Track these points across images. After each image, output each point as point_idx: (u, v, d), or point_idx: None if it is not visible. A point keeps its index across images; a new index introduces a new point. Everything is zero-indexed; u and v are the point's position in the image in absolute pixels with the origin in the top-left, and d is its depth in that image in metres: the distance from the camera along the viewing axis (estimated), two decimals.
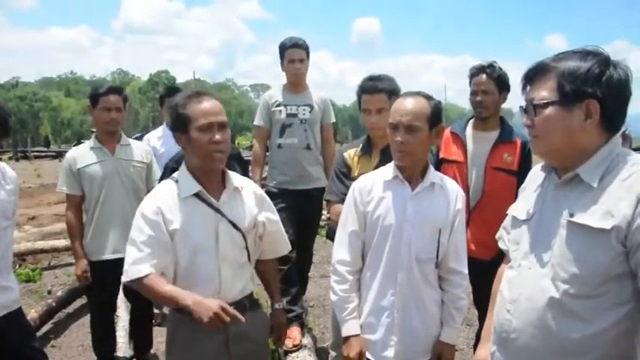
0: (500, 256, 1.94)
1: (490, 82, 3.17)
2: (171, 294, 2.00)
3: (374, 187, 2.28)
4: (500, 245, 1.90)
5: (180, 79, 79.87)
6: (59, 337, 4.66)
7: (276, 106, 4.08)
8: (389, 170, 2.29)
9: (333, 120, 4.38)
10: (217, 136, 2.07)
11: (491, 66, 3.18)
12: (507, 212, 1.86)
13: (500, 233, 1.91)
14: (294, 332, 3.78)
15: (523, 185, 1.87)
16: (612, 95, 1.51)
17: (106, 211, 3.43)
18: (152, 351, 4.00)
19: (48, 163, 26.32)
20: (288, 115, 4.05)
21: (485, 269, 2.46)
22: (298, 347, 3.72)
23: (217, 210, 2.15)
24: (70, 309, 5.18)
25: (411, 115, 2.15)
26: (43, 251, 7.08)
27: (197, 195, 2.14)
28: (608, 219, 1.46)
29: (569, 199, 1.57)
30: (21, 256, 6.82)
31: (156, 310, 4.36)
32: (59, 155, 29.85)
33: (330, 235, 3.13)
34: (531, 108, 1.60)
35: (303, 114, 4.06)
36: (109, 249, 3.40)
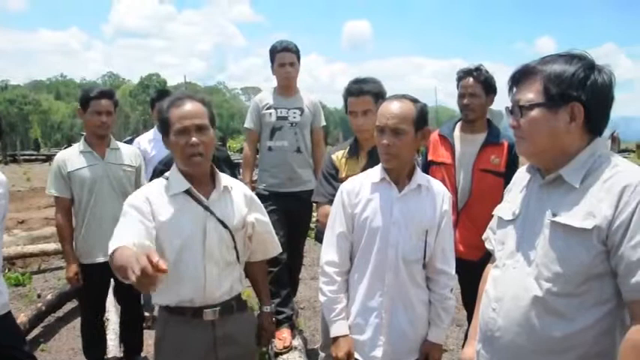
0: (489, 257, 1.96)
1: (477, 85, 3.21)
2: (121, 262, 1.72)
3: (362, 189, 2.31)
4: (487, 245, 1.93)
5: (171, 83, 79.40)
6: (49, 340, 4.64)
7: (267, 109, 4.10)
8: (376, 172, 2.31)
9: (324, 123, 4.41)
10: (193, 139, 2.08)
11: (477, 69, 3.22)
12: (493, 213, 1.89)
13: (487, 234, 1.94)
14: (284, 334, 3.79)
15: (509, 186, 1.90)
16: (596, 99, 1.54)
17: (96, 215, 3.43)
18: (143, 354, 3.98)
19: (38, 166, 26.11)
20: (279, 118, 4.07)
21: (473, 270, 2.47)
22: (289, 349, 3.73)
23: (206, 208, 2.16)
24: (60, 313, 5.16)
25: (397, 119, 2.18)
26: (32, 255, 7.04)
27: (187, 192, 2.16)
28: (590, 219, 1.49)
29: (552, 200, 1.61)
30: (10, 260, 6.78)
31: (146, 313, 4.36)
32: (49, 159, 29.58)
33: (319, 237, 3.15)
34: (517, 109, 1.63)
35: (294, 117, 4.08)
36: (99, 252, 3.39)
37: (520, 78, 1.65)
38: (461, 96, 3.27)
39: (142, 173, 3.69)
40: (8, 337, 2.76)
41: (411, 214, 2.24)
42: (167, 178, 2.21)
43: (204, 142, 2.11)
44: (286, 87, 4.12)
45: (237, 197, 2.29)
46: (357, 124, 2.89)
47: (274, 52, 4.06)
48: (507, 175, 2.99)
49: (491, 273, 1.81)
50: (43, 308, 4.83)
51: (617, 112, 1.64)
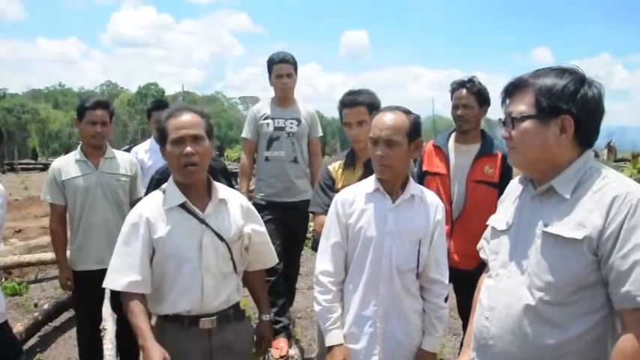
0: (484, 266, 1.98)
1: (470, 96, 3.24)
2: (136, 328, 2.07)
3: (356, 199, 2.33)
4: (481, 255, 1.95)
5: (169, 92, 79.73)
6: (45, 350, 4.62)
7: (264, 119, 4.14)
8: (370, 183, 2.33)
9: (321, 134, 4.45)
10: (187, 149, 2.11)
11: (471, 81, 3.26)
12: (487, 223, 1.92)
13: (481, 243, 1.96)
14: (281, 343, 3.81)
15: (502, 197, 1.93)
16: (586, 112, 1.58)
17: (89, 224, 3.46)
18: None
19: (35, 175, 26.01)
20: (276, 129, 4.11)
21: (469, 279, 2.49)
22: (285, 358, 3.75)
23: (202, 220, 2.18)
24: (57, 322, 5.14)
25: (390, 130, 2.21)
26: (29, 264, 7.00)
27: (183, 206, 2.18)
28: (580, 229, 1.52)
29: (544, 210, 1.64)
30: (7, 270, 6.76)
31: None
32: (47, 168, 29.43)
33: (315, 247, 3.17)
34: (509, 121, 1.66)
35: (291, 127, 4.11)
36: (93, 260, 3.41)
37: (513, 90, 1.68)
38: (455, 107, 3.30)
39: (137, 182, 3.70)
40: (4, 347, 2.76)
41: (404, 224, 2.26)
42: (164, 191, 2.23)
43: (199, 152, 2.13)
44: (284, 98, 4.16)
45: (234, 208, 2.31)
46: (352, 135, 2.92)
47: (272, 63, 4.10)
48: (501, 186, 3.01)
49: (485, 282, 1.84)
50: (40, 318, 4.81)
51: (613, 121, 1.68)
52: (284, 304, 4.00)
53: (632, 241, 1.46)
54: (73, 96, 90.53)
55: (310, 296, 5.74)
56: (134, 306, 2.09)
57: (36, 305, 5.63)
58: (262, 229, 2.45)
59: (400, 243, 2.25)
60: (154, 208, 2.19)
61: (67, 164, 3.51)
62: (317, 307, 2.37)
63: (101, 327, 3.95)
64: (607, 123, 1.67)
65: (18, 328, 4.35)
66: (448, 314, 2.46)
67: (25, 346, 4.40)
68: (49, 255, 6.98)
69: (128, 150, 4.69)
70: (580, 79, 1.59)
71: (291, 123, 4.13)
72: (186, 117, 2.16)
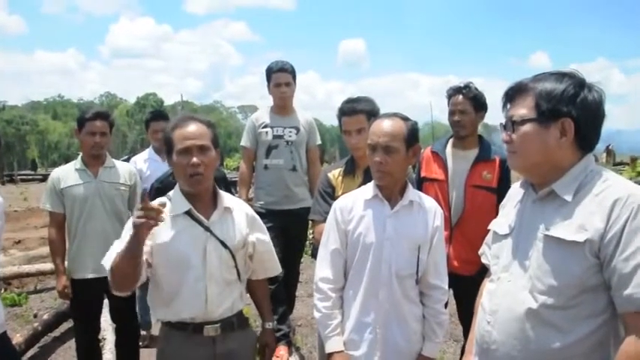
0: (484, 272, 1.98)
1: (466, 102, 3.25)
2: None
3: (354, 205, 2.33)
4: (483, 260, 1.94)
5: (168, 102, 79.99)
6: None
7: (263, 128, 4.15)
8: (369, 189, 2.34)
9: (319, 142, 4.46)
10: (194, 159, 2.11)
11: (467, 87, 3.27)
12: (489, 227, 1.92)
13: (483, 249, 1.96)
14: (281, 351, 3.80)
15: (503, 202, 1.93)
16: (586, 115, 1.59)
17: (87, 232, 3.47)
18: None
19: (35, 186, 26.04)
20: (275, 137, 4.12)
21: (468, 285, 2.50)
22: None
23: (207, 228, 2.19)
24: (57, 332, 5.12)
25: (388, 137, 2.21)
26: (29, 275, 6.99)
27: (188, 213, 2.18)
28: (582, 232, 1.52)
29: (545, 214, 1.64)
30: (6, 280, 6.74)
31: (142, 332, 4.34)
32: (46, 178, 29.51)
33: (314, 254, 3.17)
34: (510, 124, 1.68)
35: (289, 136, 4.13)
36: (90, 269, 3.40)
37: (513, 95, 1.70)
38: (451, 113, 3.31)
39: (137, 191, 3.71)
40: (4, 358, 2.75)
41: (403, 230, 2.26)
42: (170, 199, 2.23)
43: (205, 162, 2.14)
44: (282, 106, 4.18)
45: (239, 217, 2.32)
46: (351, 143, 2.93)
47: (270, 72, 4.13)
48: (499, 191, 3.02)
49: (487, 287, 1.84)
50: (39, 328, 4.79)
51: (611, 125, 1.69)
52: (284, 312, 3.99)
53: (634, 244, 1.46)
54: (72, 107, 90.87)
55: (310, 304, 5.72)
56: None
57: (35, 316, 5.61)
58: (267, 238, 2.45)
59: (399, 249, 2.25)
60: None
61: (67, 173, 3.54)
62: (317, 314, 2.36)
63: (101, 337, 3.95)
64: (604, 127, 1.68)
65: (17, 338, 4.33)
66: (448, 320, 2.45)
67: (25, 357, 4.39)
68: (49, 265, 6.96)
69: (127, 160, 4.70)
70: (580, 83, 1.61)
71: (290, 131, 4.15)
72: (193, 127, 2.17)
